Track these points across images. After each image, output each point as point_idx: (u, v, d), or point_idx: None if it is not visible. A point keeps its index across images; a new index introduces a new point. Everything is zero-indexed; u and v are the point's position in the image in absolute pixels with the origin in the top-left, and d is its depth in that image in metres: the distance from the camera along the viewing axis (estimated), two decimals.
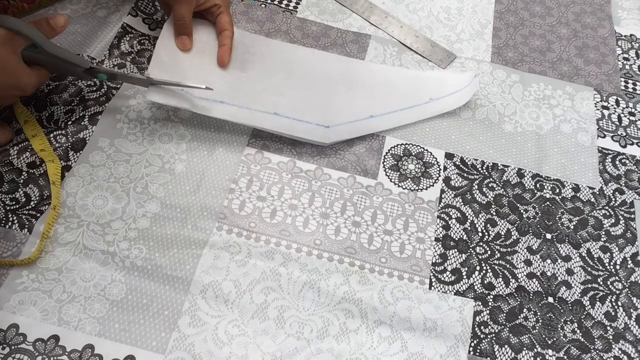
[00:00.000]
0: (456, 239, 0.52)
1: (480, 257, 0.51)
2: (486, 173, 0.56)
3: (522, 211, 0.54)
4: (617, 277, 0.51)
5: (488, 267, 0.51)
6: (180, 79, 0.54)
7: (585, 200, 0.56)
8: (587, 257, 0.52)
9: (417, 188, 0.55)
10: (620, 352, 0.48)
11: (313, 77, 0.60)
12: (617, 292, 0.51)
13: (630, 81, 0.65)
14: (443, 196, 0.55)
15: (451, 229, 0.53)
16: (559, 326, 0.48)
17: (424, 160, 0.57)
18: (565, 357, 0.47)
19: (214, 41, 0.59)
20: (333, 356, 0.45)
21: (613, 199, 0.56)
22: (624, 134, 0.60)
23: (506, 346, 0.47)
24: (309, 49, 0.63)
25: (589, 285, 0.51)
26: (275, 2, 0.68)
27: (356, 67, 0.62)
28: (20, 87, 0.48)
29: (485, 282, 0.50)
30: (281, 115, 0.55)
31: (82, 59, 0.52)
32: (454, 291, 0.49)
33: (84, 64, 0.51)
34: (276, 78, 0.58)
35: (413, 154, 0.57)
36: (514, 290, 0.50)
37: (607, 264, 0.52)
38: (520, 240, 0.53)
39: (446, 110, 0.59)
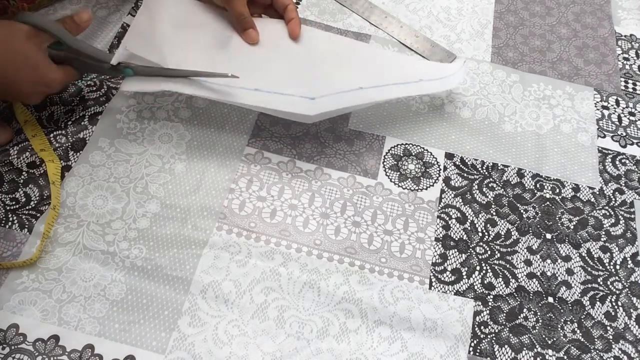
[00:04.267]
0: (456, 239, 0.52)
1: (480, 257, 0.51)
2: (486, 173, 0.56)
3: (522, 211, 0.54)
4: (617, 277, 0.51)
5: (488, 267, 0.51)
6: (156, 53, 0.51)
7: (585, 200, 0.56)
8: (587, 257, 0.52)
9: (417, 188, 0.55)
10: (620, 352, 0.48)
11: (299, 50, 0.56)
12: (617, 292, 0.51)
13: (630, 81, 0.65)
14: (443, 196, 0.55)
15: (451, 229, 0.53)
16: (559, 326, 0.48)
17: (424, 160, 0.57)
18: (565, 357, 0.47)
19: (194, 17, 0.55)
20: (333, 356, 0.45)
21: (613, 199, 0.56)
22: (624, 134, 0.60)
23: (506, 346, 0.47)
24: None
25: (589, 285, 0.51)
26: None
27: (345, 42, 0.59)
28: (46, 82, 0.47)
29: (485, 282, 0.50)
30: (262, 90, 0.51)
31: (108, 55, 0.50)
32: (454, 291, 0.49)
33: (110, 59, 0.50)
34: (258, 52, 0.55)
35: (413, 154, 0.57)
36: (514, 290, 0.50)
37: (607, 264, 0.52)
38: (520, 240, 0.53)
39: (436, 91, 0.58)
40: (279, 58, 0.55)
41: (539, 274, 0.51)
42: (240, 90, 0.51)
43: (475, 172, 0.56)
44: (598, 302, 0.50)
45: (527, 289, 0.50)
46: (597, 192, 0.56)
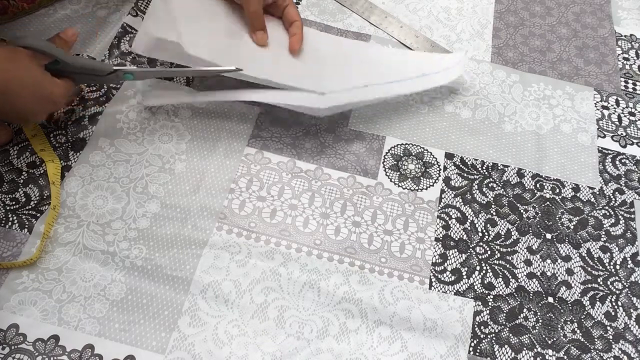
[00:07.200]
0: (456, 239, 0.52)
1: (480, 257, 0.51)
2: (486, 173, 0.56)
3: (522, 211, 0.54)
4: (617, 277, 0.51)
5: (488, 267, 0.51)
6: (174, 34, 0.52)
7: (585, 200, 0.56)
8: (587, 257, 0.52)
9: (417, 188, 0.55)
10: (620, 352, 0.48)
11: (305, 50, 0.59)
12: (617, 292, 0.51)
13: (630, 81, 0.65)
14: (443, 196, 0.55)
15: (451, 229, 0.53)
16: (559, 326, 0.48)
17: (424, 160, 0.57)
18: (565, 357, 0.47)
19: (208, 9, 0.57)
20: (333, 356, 0.45)
21: (613, 199, 0.56)
22: (624, 134, 0.60)
23: (506, 346, 0.47)
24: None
25: (589, 285, 0.51)
26: None
27: (346, 43, 0.63)
28: (52, 98, 0.48)
29: (485, 282, 0.50)
30: (274, 83, 0.54)
31: (105, 64, 0.52)
32: (454, 291, 0.49)
33: (108, 69, 0.51)
34: (268, 50, 0.57)
35: (413, 154, 0.57)
36: (514, 290, 0.50)
37: (607, 264, 0.52)
38: (520, 240, 0.53)
39: (439, 84, 0.59)
40: (287, 57, 0.58)
41: (539, 274, 0.51)
42: (251, 89, 0.54)
43: (475, 172, 0.56)
44: (598, 302, 0.50)
45: (527, 289, 0.50)
46: (597, 192, 0.56)
